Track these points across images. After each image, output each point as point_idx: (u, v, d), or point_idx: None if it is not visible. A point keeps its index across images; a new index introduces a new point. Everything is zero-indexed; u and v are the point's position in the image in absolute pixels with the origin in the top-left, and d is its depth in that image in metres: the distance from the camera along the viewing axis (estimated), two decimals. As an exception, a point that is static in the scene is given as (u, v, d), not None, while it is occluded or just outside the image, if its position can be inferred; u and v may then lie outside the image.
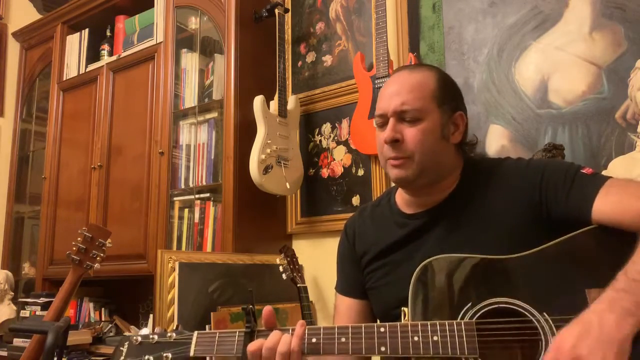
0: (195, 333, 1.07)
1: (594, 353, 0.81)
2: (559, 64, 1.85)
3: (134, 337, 1.08)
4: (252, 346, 1.01)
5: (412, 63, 2.08)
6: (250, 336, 1.03)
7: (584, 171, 1.06)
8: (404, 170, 1.12)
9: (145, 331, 1.10)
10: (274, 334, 1.01)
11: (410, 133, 1.10)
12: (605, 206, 0.99)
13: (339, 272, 1.33)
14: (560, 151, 1.70)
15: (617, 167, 1.64)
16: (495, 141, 1.96)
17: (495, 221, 1.08)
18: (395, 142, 1.10)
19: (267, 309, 1.04)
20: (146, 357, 1.05)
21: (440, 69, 1.22)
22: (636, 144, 1.64)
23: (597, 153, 1.74)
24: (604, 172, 1.66)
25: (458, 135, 1.16)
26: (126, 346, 1.07)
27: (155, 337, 1.07)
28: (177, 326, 1.13)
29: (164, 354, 1.05)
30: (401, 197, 1.22)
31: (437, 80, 1.14)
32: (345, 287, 1.29)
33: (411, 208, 1.19)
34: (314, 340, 1.01)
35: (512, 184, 1.10)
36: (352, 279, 1.28)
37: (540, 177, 1.08)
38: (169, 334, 1.08)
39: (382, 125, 1.14)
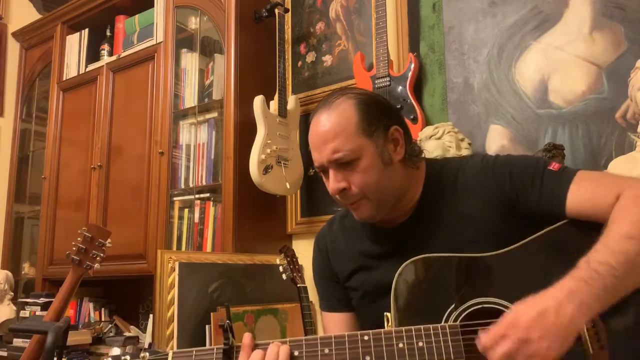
0: (170, 352, 1.03)
1: (543, 339, 0.83)
2: (559, 64, 1.84)
3: (105, 359, 1.03)
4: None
5: (412, 64, 2.08)
6: (228, 353, 1.00)
7: (550, 167, 1.05)
8: (363, 211, 1.10)
9: (117, 351, 1.06)
10: (257, 352, 0.99)
11: (354, 178, 1.07)
12: (578, 201, 0.99)
13: (320, 290, 1.30)
14: (560, 151, 1.70)
15: (617, 167, 1.63)
16: (495, 141, 1.96)
17: (469, 223, 1.07)
18: (342, 191, 1.08)
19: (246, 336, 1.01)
20: None
21: (357, 91, 1.14)
22: (636, 144, 1.64)
23: (597, 153, 1.74)
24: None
25: (400, 149, 1.11)
26: None
27: (127, 357, 1.02)
28: (150, 345, 1.10)
29: None
30: None
31: (356, 110, 1.08)
32: (332, 303, 1.27)
33: (383, 223, 1.17)
34: (296, 353, 0.98)
35: (480, 185, 1.09)
36: (338, 294, 1.25)
37: (509, 175, 1.07)
38: (142, 355, 1.02)
39: (324, 172, 1.11)
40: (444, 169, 1.16)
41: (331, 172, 1.08)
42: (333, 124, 1.07)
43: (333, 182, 1.08)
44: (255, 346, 1.00)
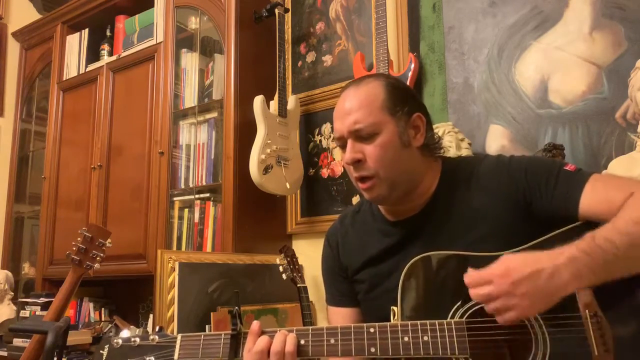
0: (179, 336, 1.04)
1: (526, 297, 0.87)
2: (559, 64, 1.84)
3: (115, 340, 1.03)
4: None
5: (412, 64, 2.08)
6: (235, 338, 1.02)
7: (567, 168, 1.06)
8: (376, 191, 1.11)
9: (126, 333, 1.07)
10: (263, 338, 1.01)
11: (370, 150, 1.09)
12: (592, 202, 1.00)
13: (328, 285, 1.31)
14: (560, 151, 1.70)
15: (617, 167, 1.63)
16: (495, 141, 1.96)
17: (481, 220, 1.08)
18: (357, 162, 1.10)
19: (255, 324, 1.03)
20: None
21: (387, 75, 1.18)
22: (636, 144, 1.64)
23: (597, 153, 1.74)
24: (603, 172, 1.67)
25: (420, 137, 1.14)
26: (106, 349, 1.03)
27: (137, 340, 1.03)
28: (161, 328, 1.10)
29: (147, 358, 1.01)
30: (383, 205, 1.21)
31: (384, 89, 1.12)
32: (337, 298, 1.28)
33: (394, 215, 1.18)
34: (302, 342, 1.00)
35: (495, 183, 1.10)
36: (344, 290, 1.26)
37: (524, 175, 1.07)
38: (151, 337, 1.03)
39: (343, 146, 1.13)
40: (460, 166, 1.18)
41: (349, 142, 1.11)
42: (360, 98, 1.11)
43: (350, 152, 1.10)
44: (262, 333, 1.02)
